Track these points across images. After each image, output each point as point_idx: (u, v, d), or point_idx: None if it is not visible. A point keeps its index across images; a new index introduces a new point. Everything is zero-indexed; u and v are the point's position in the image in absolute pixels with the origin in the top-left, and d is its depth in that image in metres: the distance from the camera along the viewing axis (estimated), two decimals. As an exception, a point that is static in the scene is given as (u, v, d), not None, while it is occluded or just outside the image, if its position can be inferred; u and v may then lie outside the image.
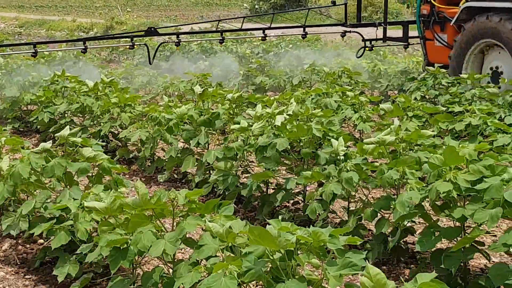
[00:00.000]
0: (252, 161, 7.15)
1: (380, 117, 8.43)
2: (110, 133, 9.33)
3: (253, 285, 3.96)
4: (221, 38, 13.15)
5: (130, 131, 8.33)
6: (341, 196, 5.85)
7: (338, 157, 6.03)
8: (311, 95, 9.47)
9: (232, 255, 4.02)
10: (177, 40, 12.61)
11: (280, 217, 4.10)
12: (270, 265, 3.69)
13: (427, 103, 9.66)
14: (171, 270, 4.37)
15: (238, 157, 6.79)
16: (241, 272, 3.65)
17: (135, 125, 8.36)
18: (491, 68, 10.54)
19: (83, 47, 11.94)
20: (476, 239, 4.77)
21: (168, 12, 53.88)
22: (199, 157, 7.56)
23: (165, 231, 4.38)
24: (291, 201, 6.79)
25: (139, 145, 8.46)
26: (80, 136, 6.46)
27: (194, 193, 4.44)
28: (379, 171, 5.57)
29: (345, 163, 5.78)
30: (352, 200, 5.95)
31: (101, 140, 8.61)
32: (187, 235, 4.37)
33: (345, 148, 6.13)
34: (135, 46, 12.78)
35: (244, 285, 3.75)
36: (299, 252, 3.71)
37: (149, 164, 8.47)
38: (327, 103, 9.01)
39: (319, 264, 3.76)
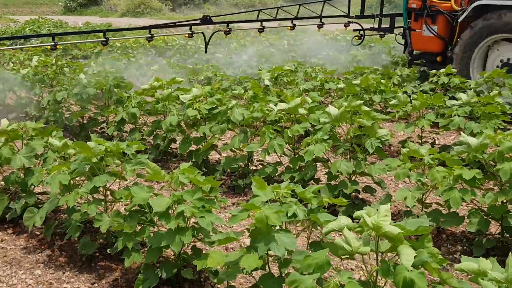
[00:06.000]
0: (73, 103, 7.28)
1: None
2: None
3: (79, 179, 3.96)
4: (262, 27, 9.90)
5: None
6: (131, 121, 6.12)
7: (125, 98, 6.38)
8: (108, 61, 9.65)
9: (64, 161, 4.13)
10: (228, 29, 9.50)
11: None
12: (89, 166, 3.82)
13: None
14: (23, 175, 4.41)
15: (62, 100, 6.89)
16: (70, 171, 3.77)
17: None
18: (501, 61, 8.23)
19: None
20: (214, 143, 5.35)
21: (8, 8, 50.08)
22: (37, 102, 7.53)
23: (18, 149, 4.39)
24: (99, 127, 6.97)
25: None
26: None
27: (37, 124, 4.54)
28: (152, 105, 5.99)
29: (130, 102, 6.20)
30: (137, 124, 6.28)
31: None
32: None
33: (128, 92, 6.57)
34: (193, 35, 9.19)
35: (73, 179, 3.83)
36: (108, 157, 3.85)
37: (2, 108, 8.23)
38: (119, 66, 9.19)
39: (120, 163, 3.92)
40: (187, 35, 9.17)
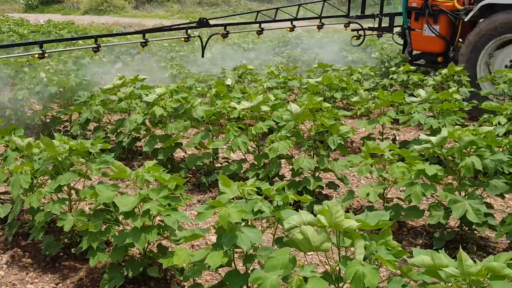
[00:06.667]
0: (35, 102, 7.13)
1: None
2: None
3: (42, 179, 3.88)
4: (260, 29, 9.11)
5: None
6: (95, 120, 6.07)
7: (87, 98, 6.30)
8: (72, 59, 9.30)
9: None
10: (225, 32, 8.67)
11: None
12: (54, 164, 3.75)
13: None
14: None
15: (24, 99, 6.69)
16: (33, 170, 3.70)
17: None
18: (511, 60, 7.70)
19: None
20: (178, 141, 5.33)
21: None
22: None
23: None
24: (62, 126, 6.83)
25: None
26: None
27: (-4, 122, 4.37)
28: (116, 103, 5.94)
29: (93, 101, 6.13)
30: (101, 123, 6.21)
31: None
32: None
33: (92, 91, 6.50)
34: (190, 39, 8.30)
35: (37, 178, 3.78)
36: (72, 155, 3.77)
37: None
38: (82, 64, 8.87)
39: (84, 162, 3.83)
40: (183, 39, 8.35)
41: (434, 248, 3.76)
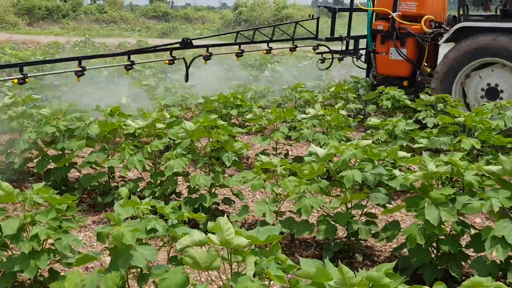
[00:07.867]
0: None
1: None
2: None
3: None
4: (240, 51, 8.54)
5: None
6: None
7: None
8: None
9: None
10: (208, 54, 8.02)
11: None
12: None
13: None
14: None
15: None
16: None
17: None
18: (488, 84, 7.34)
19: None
20: (73, 161, 5.13)
21: None
22: None
23: None
24: None
25: None
26: None
27: None
28: (6, 122, 5.60)
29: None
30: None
31: None
32: None
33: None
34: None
35: None
36: None
37: None
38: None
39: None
40: (167, 62, 7.67)
41: (323, 259, 3.86)
